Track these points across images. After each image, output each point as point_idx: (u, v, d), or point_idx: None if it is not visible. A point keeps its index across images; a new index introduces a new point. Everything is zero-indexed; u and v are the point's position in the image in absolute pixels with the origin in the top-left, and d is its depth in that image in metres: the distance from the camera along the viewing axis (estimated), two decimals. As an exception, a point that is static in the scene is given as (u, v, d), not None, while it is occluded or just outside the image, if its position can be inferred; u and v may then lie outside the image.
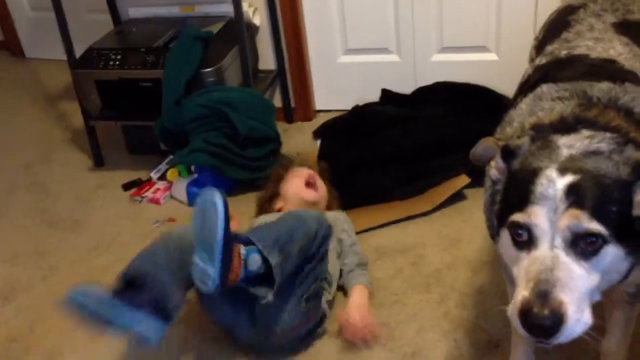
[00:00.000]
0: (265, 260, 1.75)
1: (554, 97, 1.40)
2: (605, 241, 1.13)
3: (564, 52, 1.61)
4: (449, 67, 2.97)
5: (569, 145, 1.21)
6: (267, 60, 3.13)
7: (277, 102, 3.17)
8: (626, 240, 1.15)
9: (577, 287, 1.12)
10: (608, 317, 1.60)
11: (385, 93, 3.04)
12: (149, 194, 2.78)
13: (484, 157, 1.31)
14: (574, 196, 1.12)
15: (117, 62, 2.79)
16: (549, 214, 1.13)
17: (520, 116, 1.42)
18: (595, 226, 1.11)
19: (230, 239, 1.69)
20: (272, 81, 3.10)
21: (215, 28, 2.90)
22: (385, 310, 2.06)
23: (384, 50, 3.05)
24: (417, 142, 2.61)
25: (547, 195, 1.14)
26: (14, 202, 2.89)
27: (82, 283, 1.75)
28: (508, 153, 1.26)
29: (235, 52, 2.76)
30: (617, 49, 1.54)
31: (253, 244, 1.78)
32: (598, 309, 1.26)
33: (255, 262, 1.75)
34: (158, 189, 2.79)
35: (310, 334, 1.99)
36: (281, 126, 2.99)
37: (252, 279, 1.77)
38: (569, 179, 1.14)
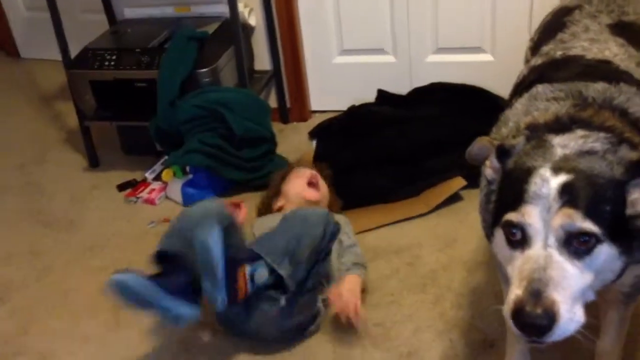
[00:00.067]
0: (272, 270, 1.85)
1: (549, 97, 1.40)
2: (598, 240, 1.13)
3: (559, 53, 1.61)
4: (444, 67, 2.97)
5: (563, 144, 1.21)
6: (262, 60, 3.12)
7: (273, 102, 3.17)
8: (619, 239, 1.15)
9: (570, 286, 1.12)
10: (603, 317, 1.60)
11: (381, 93, 3.04)
12: (144, 194, 2.77)
13: (479, 157, 1.31)
14: (568, 195, 1.13)
15: (112, 63, 2.78)
16: (542, 213, 1.14)
17: (516, 116, 1.43)
18: (589, 225, 1.12)
19: (234, 264, 1.79)
20: (267, 82, 3.09)
21: (210, 28, 2.89)
22: (381, 311, 2.06)
23: (380, 51, 3.05)
24: (412, 143, 2.61)
25: (540, 195, 1.14)
26: (8, 203, 2.88)
27: (124, 268, 1.83)
28: (503, 152, 1.27)
29: (231, 52, 2.76)
30: (613, 50, 1.55)
31: (260, 257, 1.86)
32: (592, 309, 1.26)
33: (261, 276, 1.85)
34: (153, 190, 2.78)
35: (301, 328, 1.98)
36: (277, 127, 2.99)
37: (263, 287, 1.87)
38: (562, 178, 1.14)
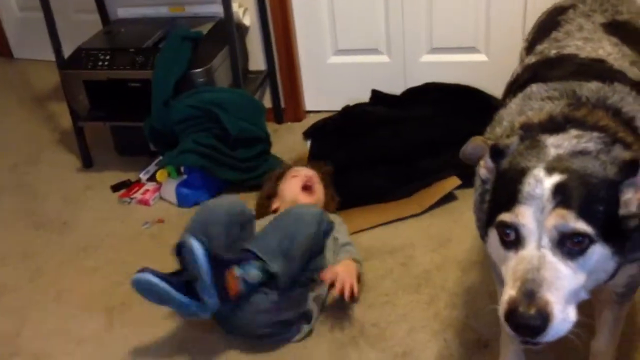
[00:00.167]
0: (264, 270, 1.88)
1: (543, 96, 1.40)
2: (591, 241, 1.13)
3: (553, 52, 1.62)
4: (438, 67, 2.98)
5: (556, 144, 1.21)
6: (257, 60, 3.12)
7: (267, 102, 3.16)
8: (613, 240, 1.15)
9: (563, 287, 1.12)
10: (597, 317, 1.61)
11: (376, 94, 3.04)
12: (138, 195, 2.76)
13: (473, 156, 1.31)
14: (561, 196, 1.13)
15: (106, 63, 2.77)
16: (536, 214, 1.13)
17: (510, 116, 1.43)
18: (582, 226, 1.12)
19: (220, 268, 1.84)
20: (262, 82, 3.09)
21: (205, 28, 2.89)
22: (375, 311, 2.06)
23: (374, 51, 3.05)
24: (406, 143, 2.61)
25: (534, 195, 1.14)
26: (1, 203, 2.87)
27: (147, 267, 1.88)
28: (497, 152, 1.26)
29: (225, 52, 2.76)
30: (606, 49, 1.55)
31: (255, 255, 1.89)
32: (587, 309, 1.26)
33: (254, 277, 1.88)
34: (147, 190, 2.78)
35: (290, 323, 1.98)
36: (271, 127, 2.98)
37: (258, 285, 1.90)
38: (556, 178, 1.14)
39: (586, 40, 1.60)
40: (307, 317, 2.02)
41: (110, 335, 2.10)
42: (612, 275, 1.22)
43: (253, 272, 1.87)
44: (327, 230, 2.05)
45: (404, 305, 2.07)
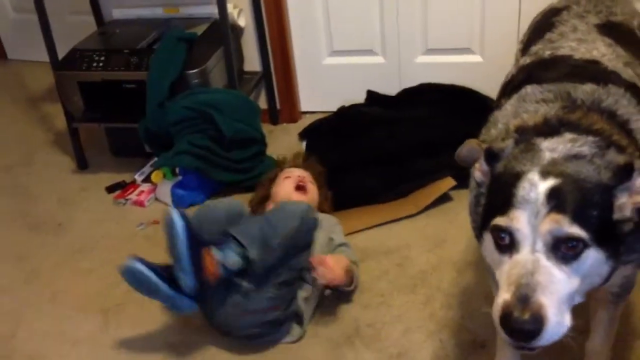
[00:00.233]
0: (244, 257, 1.87)
1: (538, 99, 1.40)
2: (585, 245, 1.13)
3: (547, 53, 1.62)
4: (433, 68, 2.98)
5: (551, 148, 1.21)
6: (252, 61, 3.12)
7: (263, 103, 3.16)
8: (607, 244, 1.15)
9: (557, 291, 1.13)
10: (592, 317, 1.61)
11: (371, 94, 3.04)
12: (133, 196, 2.76)
13: (468, 159, 1.31)
14: (555, 200, 1.13)
15: (101, 64, 2.77)
16: (530, 218, 1.13)
17: (505, 117, 1.43)
18: (576, 230, 1.12)
19: (197, 248, 1.85)
20: (257, 83, 3.09)
21: (199, 29, 2.89)
22: (370, 312, 2.06)
23: (369, 52, 3.06)
24: (402, 144, 2.62)
25: (528, 199, 1.14)
26: (-4, 205, 2.86)
27: (134, 256, 1.89)
28: (491, 156, 1.26)
29: (220, 53, 2.75)
30: (601, 50, 1.55)
31: (236, 240, 1.89)
32: (582, 309, 1.27)
33: (234, 262, 1.88)
34: (142, 192, 2.77)
35: (278, 323, 1.97)
36: (266, 128, 2.98)
37: (235, 273, 1.89)
38: (550, 183, 1.14)
39: (580, 42, 1.61)
40: (297, 318, 2.01)
41: (106, 336, 2.10)
42: (607, 279, 1.22)
43: (232, 258, 1.86)
44: (311, 226, 2.02)
45: (400, 305, 2.07)
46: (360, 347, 1.95)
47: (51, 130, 3.37)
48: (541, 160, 1.19)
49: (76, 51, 2.85)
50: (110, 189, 2.84)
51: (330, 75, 3.13)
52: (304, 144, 2.93)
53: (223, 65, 2.76)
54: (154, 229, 2.55)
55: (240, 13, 2.99)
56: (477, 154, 1.29)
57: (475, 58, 2.95)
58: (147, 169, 2.86)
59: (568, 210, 1.12)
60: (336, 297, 2.11)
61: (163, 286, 1.84)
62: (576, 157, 1.19)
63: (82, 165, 3.03)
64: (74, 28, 3.24)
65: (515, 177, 1.17)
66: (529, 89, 1.45)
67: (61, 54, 2.84)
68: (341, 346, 1.96)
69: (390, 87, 3.02)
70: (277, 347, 1.99)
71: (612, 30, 1.67)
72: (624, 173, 1.16)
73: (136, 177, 2.84)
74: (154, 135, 2.70)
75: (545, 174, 1.15)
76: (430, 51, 2.99)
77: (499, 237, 1.18)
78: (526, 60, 1.66)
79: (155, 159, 2.79)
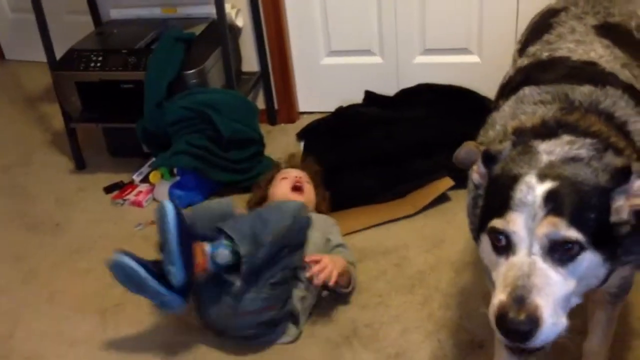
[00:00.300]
0: (235, 252, 1.85)
1: (536, 100, 1.40)
2: (582, 248, 1.13)
3: (545, 54, 1.62)
4: (431, 69, 2.98)
5: (549, 151, 1.21)
6: (250, 62, 3.12)
7: (261, 104, 3.16)
8: (604, 246, 1.16)
9: (553, 293, 1.13)
10: (590, 317, 1.61)
11: (369, 95, 3.04)
12: (131, 196, 2.76)
13: (466, 161, 1.31)
14: (552, 203, 1.13)
15: (98, 64, 2.76)
16: (527, 221, 1.14)
17: (503, 119, 1.43)
18: (573, 233, 1.12)
19: (188, 240, 1.83)
20: (255, 83, 3.09)
21: (197, 30, 2.88)
22: (368, 312, 2.06)
23: (367, 52, 3.06)
24: (399, 144, 2.62)
25: (526, 202, 1.14)
26: (-7, 205, 2.86)
27: (124, 250, 1.86)
28: (489, 158, 1.26)
29: (218, 53, 2.75)
30: (598, 52, 1.55)
31: (228, 235, 1.87)
32: (580, 309, 1.27)
33: (224, 256, 1.86)
34: (140, 192, 2.77)
35: (274, 324, 1.97)
36: (264, 128, 2.98)
37: (225, 268, 1.88)
38: (547, 185, 1.14)
39: (578, 43, 1.61)
40: (293, 318, 2.01)
41: (103, 336, 2.09)
42: (604, 281, 1.23)
43: (223, 252, 1.85)
44: (303, 225, 2.01)
45: (398, 306, 2.08)
46: (358, 347, 1.95)
47: (49, 130, 3.36)
48: (538, 163, 1.19)
49: (74, 51, 2.85)
50: (108, 189, 2.83)
51: (328, 75, 3.13)
52: (301, 144, 2.93)
53: (221, 66, 2.76)
54: (152, 229, 2.54)
55: (238, 13, 2.99)
56: (475, 156, 1.29)
57: (473, 58, 2.95)
58: (145, 169, 2.86)
59: (565, 213, 1.12)
60: (333, 297, 2.11)
61: (152, 281, 1.81)
62: (574, 159, 1.19)
63: (80, 165, 3.02)
64: (71, 28, 3.24)
65: (513, 180, 1.17)
66: (526, 90, 1.45)
67: (59, 54, 2.84)
68: (339, 346, 1.96)
69: (388, 88, 3.02)
70: (274, 347, 1.99)
71: (609, 31, 1.67)
72: (621, 176, 1.16)
73: (134, 177, 2.84)
74: (152, 135, 2.70)
75: (542, 176, 1.15)
76: (428, 51, 2.99)
77: (495, 239, 1.19)
78: (524, 61, 1.66)
79: (153, 159, 2.79)
